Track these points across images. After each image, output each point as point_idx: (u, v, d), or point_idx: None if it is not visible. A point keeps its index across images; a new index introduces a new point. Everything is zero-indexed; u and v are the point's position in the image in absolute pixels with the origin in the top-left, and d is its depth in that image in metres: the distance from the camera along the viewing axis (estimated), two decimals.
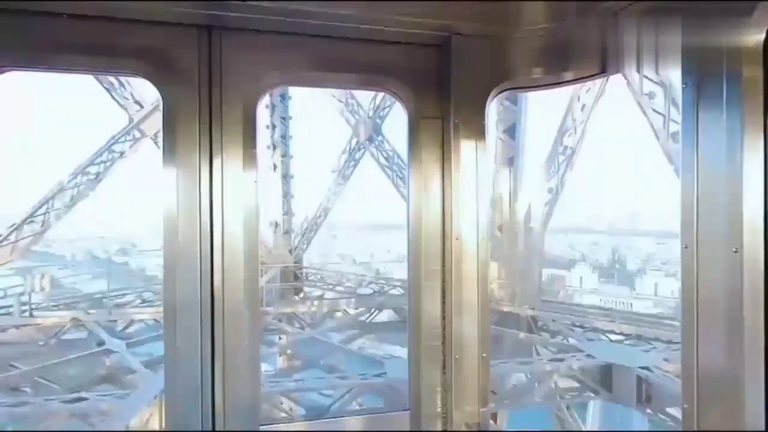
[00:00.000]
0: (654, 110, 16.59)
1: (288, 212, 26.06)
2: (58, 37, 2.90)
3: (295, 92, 26.64)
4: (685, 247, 2.44)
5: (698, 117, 2.38)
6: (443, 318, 3.50)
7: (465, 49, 3.37)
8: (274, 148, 25.65)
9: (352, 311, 22.18)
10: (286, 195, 26.05)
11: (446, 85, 3.43)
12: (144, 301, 21.82)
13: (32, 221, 19.96)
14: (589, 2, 3.16)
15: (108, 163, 20.99)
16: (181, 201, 3.05)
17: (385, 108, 23.92)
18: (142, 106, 21.17)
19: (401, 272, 51.57)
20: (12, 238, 19.54)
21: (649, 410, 11.94)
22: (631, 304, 52.76)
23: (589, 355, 13.62)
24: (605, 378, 12.85)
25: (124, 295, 22.30)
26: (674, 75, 2.56)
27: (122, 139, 21.13)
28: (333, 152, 26.61)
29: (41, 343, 17.94)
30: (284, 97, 25.92)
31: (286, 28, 3.20)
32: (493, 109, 17.37)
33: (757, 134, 2.19)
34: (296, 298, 25.00)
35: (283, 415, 11.57)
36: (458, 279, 3.43)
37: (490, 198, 18.03)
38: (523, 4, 3.36)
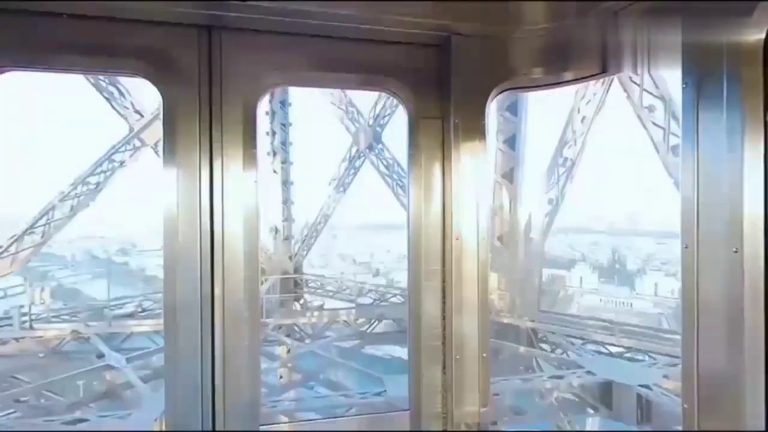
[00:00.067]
0: (654, 123, 16.60)
1: (288, 218, 26.09)
2: (58, 37, 2.89)
3: (295, 99, 26.74)
4: (686, 247, 2.45)
5: (698, 117, 2.38)
6: (443, 318, 3.50)
7: (465, 49, 3.37)
8: (274, 154, 25.67)
9: (353, 322, 22.13)
10: (286, 201, 26.06)
11: (446, 85, 3.43)
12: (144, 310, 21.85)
13: (32, 232, 19.95)
14: (589, 2, 3.15)
15: (108, 173, 20.99)
16: (181, 201, 3.05)
17: (385, 116, 23.95)
18: (142, 116, 21.18)
19: (401, 272, 51.60)
20: (12, 249, 19.53)
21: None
22: (631, 304, 52.81)
23: (589, 372, 13.62)
24: (605, 395, 12.87)
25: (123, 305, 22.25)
26: (674, 76, 2.56)
27: (122, 148, 21.11)
28: (333, 159, 26.66)
29: (41, 355, 17.97)
30: (284, 104, 25.96)
31: (286, 28, 3.20)
32: (493, 112, 17.41)
33: (757, 134, 2.19)
34: (296, 305, 24.97)
35: None
36: (458, 279, 3.43)
37: (490, 204, 18.09)
38: (523, 4, 3.36)
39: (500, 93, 3.54)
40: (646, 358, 16.32)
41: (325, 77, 3.60)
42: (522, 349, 17.94)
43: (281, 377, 20.54)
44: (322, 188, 26.40)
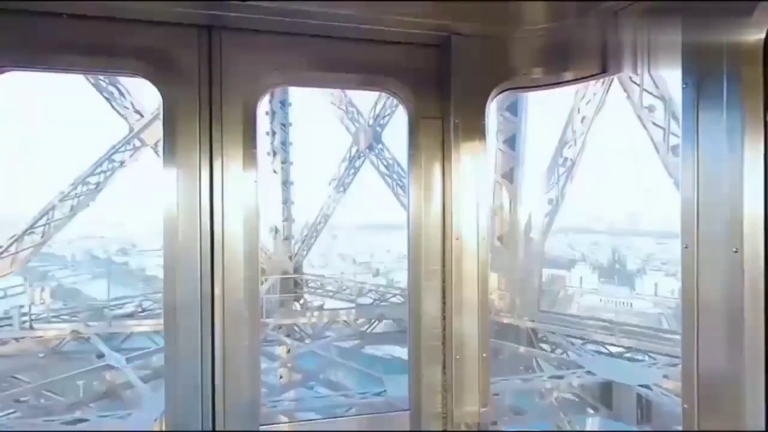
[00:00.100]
0: (654, 123, 16.59)
1: (288, 218, 26.10)
2: (58, 37, 2.89)
3: (295, 99, 26.76)
4: (686, 247, 2.45)
5: (698, 117, 2.38)
6: (443, 318, 3.50)
7: (465, 49, 3.37)
8: (274, 154, 25.68)
9: (353, 323, 22.14)
10: (286, 201, 26.07)
11: (446, 85, 3.43)
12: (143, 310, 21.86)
13: (32, 232, 19.95)
14: (589, 2, 3.15)
15: (108, 173, 20.99)
16: (181, 201, 3.05)
17: (385, 116, 23.95)
18: (142, 116, 21.18)
19: (401, 272, 51.57)
20: (12, 249, 19.54)
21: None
22: (631, 304, 52.80)
23: (589, 372, 13.62)
24: (605, 395, 12.88)
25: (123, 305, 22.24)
26: (674, 76, 2.56)
27: (122, 148, 21.12)
28: (333, 159, 26.66)
29: (41, 355, 17.98)
30: (284, 104, 25.97)
31: (286, 28, 3.20)
32: (493, 112, 17.41)
33: (757, 134, 2.19)
34: (296, 305, 24.98)
35: None
36: (458, 279, 3.42)
37: (490, 204, 18.09)
38: (523, 4, 3.36)
39: (500, 93, 3.54)
40: (646, 358, 16.33)
41: (325, 77, 3.60)
42: (522, 349, 17.94)
43: (281, 377, 20.56)
44: (322, 188, 26.46)
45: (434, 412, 3.51)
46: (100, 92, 21.11)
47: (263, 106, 24.25)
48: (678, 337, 2.63)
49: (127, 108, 21.22)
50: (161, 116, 3.09)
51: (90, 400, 15.49)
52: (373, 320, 22.05)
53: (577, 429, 15.04)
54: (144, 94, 21.98)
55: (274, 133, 25.61)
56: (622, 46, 3.16)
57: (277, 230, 25.75)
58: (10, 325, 18.06)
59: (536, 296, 20.01)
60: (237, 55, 3.16)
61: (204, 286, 3.08)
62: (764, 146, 2.18)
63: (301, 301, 25.58)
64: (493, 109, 4.04)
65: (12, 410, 14.70)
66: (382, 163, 24.22)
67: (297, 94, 27.29)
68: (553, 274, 55.36)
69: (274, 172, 25.64)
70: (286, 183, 26.03)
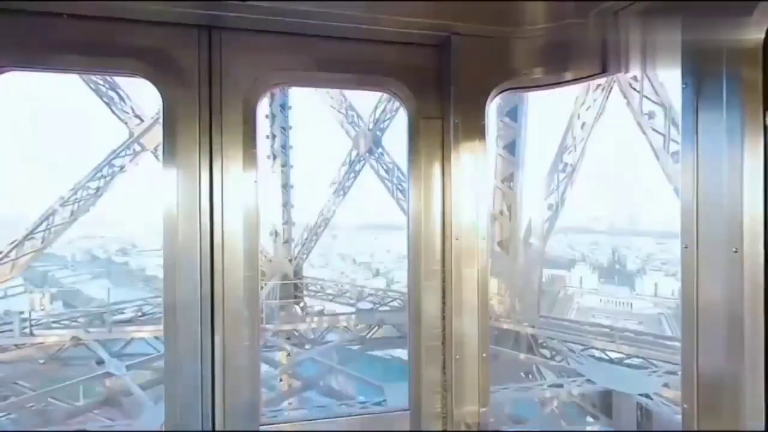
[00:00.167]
0: (654, 130, 16.59)
1: (288, 221, 26.09)
2: (58, 37, 2.89)
3: (295, 102, 26.74)
4: (685, 247, 2.45)
5: (698, 117, 2.38)
6: (443, 318, 3.50)
7: (465, 49, 3.37)
8: (274, 158, 25.67)
9: (353, 328, 22.18)
10: (286, 204, 26.06)
11: (446, 85, 3.43)
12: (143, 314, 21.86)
13: (32, 237, 19.96)
14: (589, 2, 3.14)
15: (108, 178, 20.99)
16: (181, 201, 3.05)
17: (385, 120, 23.96)
18: (142, 120, 21.17)
19: (401, 272, 51.57)
20: (12, 255, 19.54)
21: None
22: (631, 304, 52.82)
23: (589, 380, 13.65)
24: (605, 404, 12.92)
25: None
26: (674, 82, 2.54)
27: (122, 153, 21.12)
28: (333, 162, 26.67)
29: (41, 361, 18.01)
30: (284, 107, 25.96)
31: (285, 28, 3.20)
32: (493, 115, 17.38)
33: (757, 134, 2.19)
34: (297, 308, 25.00)
35: None
36: (458, 279, 3.42)
37: (490, 204, 18.09)
38: (523, 4, 3.36)
39: (500, 93, 3.54)
40: (647, 364, 16.34)
41: (325, 77, 3.56)
42: (522, 356, 17.96)
43: (281, 380, 20.56)
44: (322, 191, 26.47)
45: (434, 412, 3.51)
46: (101, 97, 21.11)
47: (263, 108, 24.29)
48: (678, 344, 2.63)
49: (127, 113, 21.22)
50: (161, 119, 3.08)
51: (89, 409, 15.47)
52: (373, 325, 22.06)
53: (577, 428, 15.07)
54: (144, 98, 22.04)
55: (274, 137, 25.62)
56: (622, 46, 3.17)
57: (277, 233, 25.76)
58: (11, 330, 18.06)
59: (536, 301, 20.00)
60: (237, 55, 3.17)
61: (204, 286, 3.08)
62: (764, 146, 2.19)
63: (301, 305, 25.59)
64: (493, 112, 4.05)
65: (8, 413, 14.77)
66: (382, 167, 24.22)
67: (297, 98, 27.38)
68: (553, 274, 55.45)
69: (273, 173, 25.61)
70: (286, 186, 26.03)
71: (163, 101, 3.06)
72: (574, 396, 13.12)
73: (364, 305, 25.26)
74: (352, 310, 25.00)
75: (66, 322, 20.27)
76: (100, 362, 16.87)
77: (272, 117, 25.49)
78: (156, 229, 3.16)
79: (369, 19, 3.17)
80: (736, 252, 2.21)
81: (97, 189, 20.88)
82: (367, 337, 21.79)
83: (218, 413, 3.11)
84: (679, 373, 2.55)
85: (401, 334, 20.70)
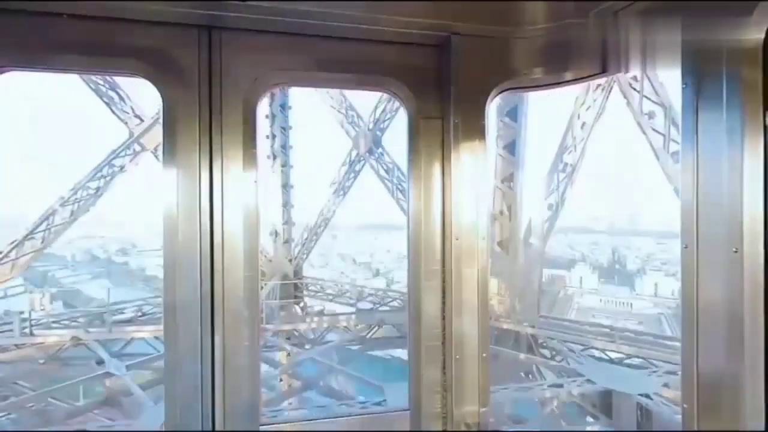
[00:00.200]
0: (654, 130, 16.59)
1: (288, 221, 26.10)
2: (58, 37, 2.89)
3: (295, 102, 26.75)
4: (685, 247, 2.45)
5: (698, 117, 2.38)
6: (443, 318, 3.49)
7: (465, 49, 3.36)
8: (274, 158, 25.68)
9: (353, 328, 22.20)
10: (286, 204, 26.07)
11: (446, 85, 3.43)
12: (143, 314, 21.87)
13: (32, 237, 19.96)
14: (589, 2, 3.14)
15: (108, 178, 20.99)
16: (181, 201, 3.04)
17: (385, 120, 23.97)
18: (142, 120, 21.18)
19: (401, 272, 51.54)
20: (12, 255, 19.55)
21: None
22: (631, 304, 52.83)
23: (589, 380, 13.65)
24: (605, 404, 12.94)
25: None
26: (674, 83, 2.54)
27: (122, 153, 21.13)
28: (333, 162, 26.69)
29: (41, 361, 18.02)
30: (284, 107, 25.97)
31: (285, 28, 3.20)
32: (492, 116, 17.38)
33: (757, 134, 2.19)
34: (297, 308, 25.01)
35: None
36: (458, 279, 3.42)
37: (490, 203, 18.10)
38: (523, 4, 3.36)
39: (500, 93, 3.54)
40: (647, 364, 16.35)
41: (324, 77, 3.55)
42: (522, 356, 17.97)
43: (281, 380, 20.57)
44: (322, 191, 26.49)
45: (434, 412, 3.51)
46: (101, 97, 21.12)
47: (263, 108, 24.28)
48: (678, 343, 2.63)
49: (127, 113, 21.23)
50: (161, 119, 3.08)
51: (89, 409, 15.50)
52: (373, 326, 22.07)
53: (576, 429, 15.09)
54: (144, 98, 22.04)
55: (274, 137, 25.62)
56: (622, 46, 3.17)
57: (277, 233, 25.77)
58: (11, 330, 18.07)
59: (536, 302, 20.01)
60: (237, 55, 3.17)
61: (204, 286, 3.08)
62: (764, 146, 2.19)
63: (301, 304, 25.60)
64: (493, 112, 4.04)
65: (8, 412, 14.80)
66: (382, 167, 24.24)
67: (297, 98, 27.39)
68: (553, 274, 55.45)
69: (273, 173, 25.62)
70: (286, 186, 26.05)
71: (163, 101, 3.06)
72: (574, 396, 13.12)
73: (364, 305, 25.26)
74: (352, 310, 25.00)
75: (66, 322, 20.28)
76: (100, 362, 16.89)
77: (272, 117, 25.49)
78: (156, 229, 3.17)
79: (369, 19, 3.17)
80: (736, 252, 2.21)
81: (97, 189, 20.90)
82: (367, 337, 21.81)
83: (218, 413, 3.11)
84: (679, 372, 2.55)
85: (401, 334, 20.71)
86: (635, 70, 3.14)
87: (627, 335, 17.85)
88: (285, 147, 25.98)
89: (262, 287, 21.82)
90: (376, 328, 22.03)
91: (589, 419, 13.32)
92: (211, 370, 3.10)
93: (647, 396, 12.37)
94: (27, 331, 18.17)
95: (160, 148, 3.09)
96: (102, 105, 21.19)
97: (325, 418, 3.61)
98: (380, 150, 24.29)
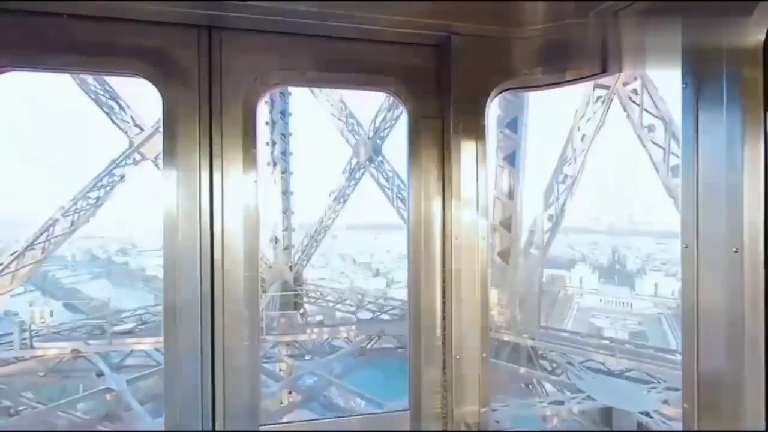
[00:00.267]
0: (654, 143, 16.59)
1: (288, 228, 26.11)
2: (58, 37, 2.89)
3: (295, 109, 26.74)
4: (685, 247, 2.44)
5: (698, 117, 2.38)
6: (443, 318, 3.49)
7: (465, 49, 3.36)
8: (274, 164, 25.67)
9: (353, 339, 22.20)
10: (286, 211, 26.08)
11: (446, 85, 3.42)
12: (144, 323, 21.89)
13: (33, 248, 19.97)
14: (589, 2, 3.12)
15: (108, 188, 21.00)
16: (181, 201, 3.04)
17: (385, 129, 23.97)
18: (142, 129, 21.16)
19: (401, 272, 51.50)
20: (12, 266, 19.55)
21: None
22: (631, 305, 52.80)
23: (589, 397, 13.68)
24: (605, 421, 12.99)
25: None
26: (674, 87, 2.54)
27: (123, 162, 21.13)
28: (333, 169, 26.71)
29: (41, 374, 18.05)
30: (284, 114, 25.99)
31: (285, 28, 3.19)
32: (493, 109, 17.39)
33: (757, 134, 2.19)
34: (297, 314, 24.99)
35: None
36: (458, 279, 3.41)
37: (490, 204, 18.09)
38: (523, 4, 3.35)
39: (500, 93, 3.54)
40: (646, 377, 16.37)
41: (324, 77, 3.55)
42: (522, 370, 17.98)
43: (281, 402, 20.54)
44: (323, 198, 26.48)
45: (434, 412, 3.50)
46: (101, 107, 21.12)
47: (263, 114, 24.28)
48: (678, 357, 2.64)
49: (127, 122, 21.23)
50: (161, 124, 3.08)
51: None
52: (373, 336, 22.07)
53: (574, 429, 15.15)
54: (144, 108, 22.00)
55: (274, 143, 25.63)
56: (622, 46, 3.17)
57: (277, 240, 25.78)
58: (11, 342, 18.09)
59: (536, 313, 20.03)
60: (237, 55, 3.16)
61: (204, 286, 3.07)
62: (764, 146, 2.18)
63: (301, 311, 25.59)
64: (493, 114, 4.01)
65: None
66: (382, 175, 24.26)
67: (297, 105, 27.35)
68: (553, 274, 55.39)
69: (274, 183, 25.62)
70: (286, 193, 26.06)
71: (163, 101, 3.06)
72: (574, 414, 13.16)
73: (364, 315, 25.25)
74: (352, 316, 25.01)
75: (67, 333, 20.30)
76: (100, 374, 16.92)
77: (272, 124, 25.52)
78: (156, 229, 3.16)
79: (369, 19, 3.17)
80: (736, 252, 2.21)
81: (98, 199, 20.92)
82: (368, 347, 21.81)
83: (218, 413, 3.10)
84: (680, 389, 2.55)
85: (401, 344, 20.68)
86: (635, 71, 3.14)
87: (627, 348, 17.87)
88: (285, 154, 26.01)
89: (261, 297, 21.80)
90: (376, 338, 22.03)
91: None
92: (211, 370, 3.09)
93: (647, 414, 12.39)
94: (27, 343, 18.17)
95: (161, 157, 3.10)
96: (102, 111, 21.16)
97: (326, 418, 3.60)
98: (380, 158, 24.29)
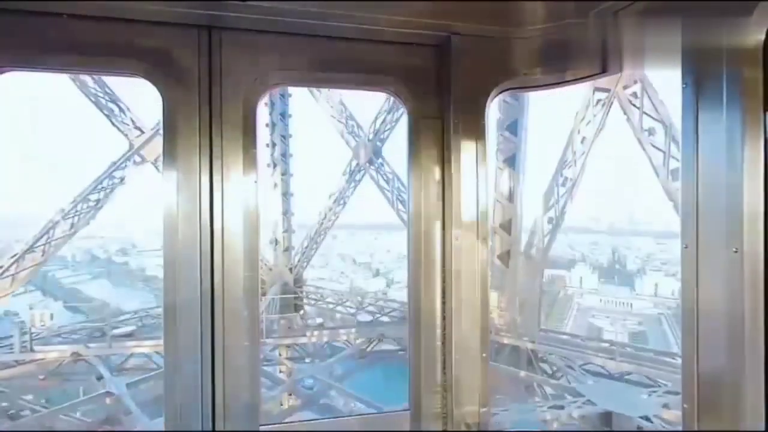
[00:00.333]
0: (654, 146, 16.58)
1: (288, 230, 26.11)
2: (58, 37, 2.88)
3: (295, 111, 26.74)
4: (685, 247, 2.44)
5: (698, 117, 2.37)
6: (443, 318, 3.48)
7: (465, 49, 3.35)
8: (275, 166, 25.67)
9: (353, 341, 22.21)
10: (286, 213, 26.08)
11: (446, 85, 3.41)
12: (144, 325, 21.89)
13: (33, 251, 19.96)
14: (589, 2, 3.12)
15: (108, 190, 21.00)
16: (181, 201, 3.03)
17: (385, 131, 23.97)
18: (142, 132, 21.15)
19: (401, 272, 51.51)
20: (12, 269, 19.55)
21: None
22: (631, 305, 52.83)
23: (589, 401, 13.68)
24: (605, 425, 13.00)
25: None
26: (674, 90, 2.54)
27: (123, 165, 21.13)
28: (333, 170, 26.73)
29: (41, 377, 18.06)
30: (284, 116, 25.99)
31: (285, 28, 3.19)
32: (493, 112, 17.36)
33: (756, 134, 2.19)
34: (297, 316, 25.00)
35: None
36: (458, 279, 3.41)
37: (490, 205, 18.09)
38: (523, 4, 3.35)
39: (500, 93, 3.54)
40: (646, 380, 16.37)
41: (324, 77, 3.55)
42: (522, 373, 17.99)
43: (281, 404, 20.53)
44: (323, 200, 26.48)
45: (434, 412, 3.50)
46: (101, 109, 21.10)
47: (263, 116, 24.27)
48: (678, 360, 2.64)
49: (127, 124, 21.21)
50: (161, 129, 3.08)
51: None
52: (373, 339, 22.08)
53: (572, 425, 15.16)
54: (144, 110, 22.00)
55: (274, 145, 25.62)
56: (622, 46, 3.17)
57: (277, 241, 25.78)
58: (11, 345, 18.09)
59: (537, 315, 20.03)
60: (237, 55, 3.16)
61: (204, 286, 3.06)
62: (764, 146, 2.19)
63: (302, 312, 25.61)
64: (493, 114, 4.00)
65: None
66: (382, 177, 24.27)
67: (297, 106, 27.38)
68: (553, 274, 55.42)
69: (275, 184, 25.64)
70: (286, 194, 26.07)
71: (163, 101, 3.05)
72: (574, 418, 13.17)
73: (364, 317, 25.24)
74: (352, 318, 25.02)
75: (67, 335, 20.31)
76: (100, 378, 16.95)
77: (272, 125, 25.52)
78: (156, 231, 3.16)
79: (369, 19, 3.17)
80: (736, 252, 2.21)
81: (97, 201, 20.92)
82: (368, 350, 21.82)
83: (218, 413, 3.10)
84: (680, 392, 2.55)
85: (402, 347, 20.68)
86: (635, 70, 3.14)
87: (627, 351, 17.88)
88: (285, 155, 26.03)
89: (261, 299, 21.79)
90: (376, 341, 22.04)
91: None
92: (211, 370, 3.09)
93: (647, 418, 12.41)
94: (27, 346, 18.17)
95: (161, 159, 3.09)
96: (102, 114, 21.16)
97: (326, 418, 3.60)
98: (380, 160, 24.29)
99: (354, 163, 25.32)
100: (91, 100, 21.00)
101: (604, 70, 3.32)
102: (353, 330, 22.99)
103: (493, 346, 17.25)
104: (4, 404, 16.67)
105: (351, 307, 26.54)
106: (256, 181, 3.17)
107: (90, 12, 2.87)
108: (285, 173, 25.94)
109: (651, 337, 43.46)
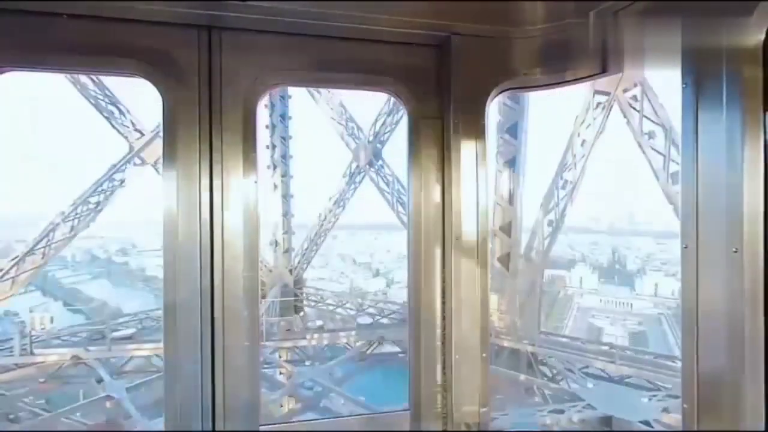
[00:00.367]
0: (654, 149, 16.57)
1: (288, 231, 26.09)
2: (58, 37, 2.88)
3: (295, 112, 26.70)
4: (685, 247, 2.45)
5: (698, 117, 2.38)
6: (443, 318, 3.49)
7: (465, 49, 3.36)
8: (275, 168, 25.65)
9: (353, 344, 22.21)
10: (286, 214, 26.06)
11: (446, 85, 3.42)
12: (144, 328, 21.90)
13: (33, 253, 19.97)
14: (589, 2, 3.14)
15: (108, 193, 20.99)
16: (181, 200, 3.04)
17: (385, 133, 23.95)
18: (142, 134, 21.13)
19: (401, 272, 51.50)
20: (12, 272, 19.56)
21: None
22: (631, 305, 52.84)
23: (589, 405, 13.69)
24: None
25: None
26: (674, 93, 2.54)
27: (123, 167, 21.11)
28: (333, 172, 26.72)
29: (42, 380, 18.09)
30: (284, 117, 25.95)
31: (285, 29, 3.19)
32: (493, 114, 17.32)
33: (756, 134, 2.19)
34: (297, 317, 25.01)
35: None
36: (458, 279, 3.41)
37: (490, 205, 18.08)
38: (523, 4, 3.36)
39: (500, 93, 3.54)
40: (646, 383, 16.38)
41: (324, 77, 3.57)
42: (522, 377, 18.00)
43: (281, 405, 20.52)
44: (322, 202, 26.46)
45: (434, 412, 3.51)
46: (101, 112, 21.08)
47: (263, 117, 24.26)
48: (678, 364, 2.64)
49: (127, 127, 21.18)
50: (161, 126, 3.08)
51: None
52: (373, 342, 22.07)
53: (573, 429, 15.17)
54: (144, 113, 21.99)
55: (274, 147, 25.60)
56: (622, 46, 3.16)
57: (277, 243, 25.77)
58: (11, 348, 18.10)
59: (537, 318, 20.03)
60: (237, 55, 3.16)
61: (204, 286, 3.07)
62: (764, 146, 2.19)
63: (302, 314, 25.61)
64: (493, 114, 4.00)
65: None
66: (382, 179, 24.24)
67: (297, 108, 27.34)
68: (553, 274, 55.44)
69: (275, 186, 25.63)
70: (286, 196, 26.05)
71: (163, 101, 3.06)
72: (575, 423, 13.18)
73: (364, 320, 25.22)
74: (352, 320, 25.02)
75: (66, 338, 20.32)
76: (100, 381, 16.97)
77: (272, 127, 25.49)
78: (156, 231, 3.16)
79: (369, 19, 3.18)
80: (736, 252, 2.22)
81: (97, 204, 20.91)
82: (368, 353, 21.81)
83: (218, 413, 3.10)
84: (679, 397, 2.57)
85: (402, 350, 20.68)
86: (635, 70, 3.14)
87: (627, 354, 17.89)
88: (285, 157, 26.01)
89: (261, 302, 21.77)
90: (376, 344, 22.03)
91: None
92: (211, 370, 3.09)
93: (647, 423, 12.41)
94: (27, 349, 18.18)
95: (161, 162, 3.10)
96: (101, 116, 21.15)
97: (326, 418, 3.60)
98: (380, 162, 24.27)
99: (354, 165, 25.30)
100: (91, 102, 20.97)
101: (604, 70, 3.32)
102: (353, 332, 22.97)
103: (492, 348, 17.22)
104: (4, 408, 16.67)
105: (351, 309, 26.52)
106: (256, 181, 3.18)
107: (90, 12, 2.88)
108: (285, 175, 25.93)
109: (651, 337, 43.49)
